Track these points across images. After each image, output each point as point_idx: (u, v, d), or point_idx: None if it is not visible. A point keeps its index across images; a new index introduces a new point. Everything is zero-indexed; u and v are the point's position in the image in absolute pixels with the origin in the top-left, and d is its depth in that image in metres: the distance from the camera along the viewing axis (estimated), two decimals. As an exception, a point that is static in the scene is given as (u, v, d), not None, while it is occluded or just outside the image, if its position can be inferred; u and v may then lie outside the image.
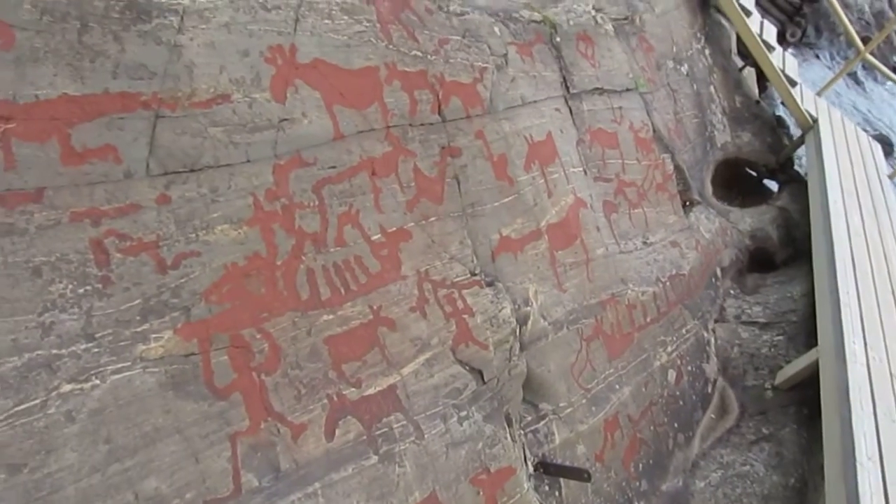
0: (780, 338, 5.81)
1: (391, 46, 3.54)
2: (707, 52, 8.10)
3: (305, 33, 3.13)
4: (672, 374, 5.00)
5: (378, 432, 2.96)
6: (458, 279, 3.53)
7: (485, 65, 4.13)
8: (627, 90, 5.72)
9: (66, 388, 2.23)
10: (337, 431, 2.84)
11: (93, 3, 2.48)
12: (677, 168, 6.33)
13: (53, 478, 2.15)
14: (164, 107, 2.61)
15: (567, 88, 4.93)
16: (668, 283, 5.32)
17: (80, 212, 2.38)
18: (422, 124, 3.62)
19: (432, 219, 3.52)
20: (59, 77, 2.40)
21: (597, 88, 5.29)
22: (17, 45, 2.32)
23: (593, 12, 5.57)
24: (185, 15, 2.70)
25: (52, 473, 2.15)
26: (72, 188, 2.38)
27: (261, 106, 2.89)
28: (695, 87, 7.47)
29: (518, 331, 3.71)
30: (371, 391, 3.00)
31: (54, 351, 2.24)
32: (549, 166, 4.42)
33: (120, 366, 2.35)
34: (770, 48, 8.21)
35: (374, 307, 3.12)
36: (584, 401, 4.13)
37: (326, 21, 3.24)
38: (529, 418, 3.83)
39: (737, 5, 7.88)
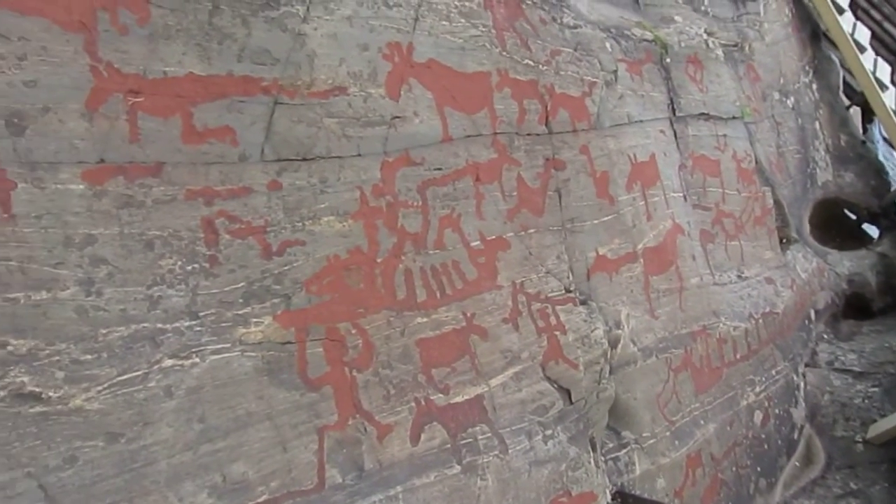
0: (876, 389, 5.52)
1: (504, 53, 3.50)
2: (814, 86, 7.83)
3: (423, 33, 3.11)
4: (759, 416, 4.79)
5: (463, 442, 2.89)
6: (552, 294, 3.44)
7: (594, 79, 4.05)
8: (733, 118, 5.55)
9: (168, 363, 2.23)
10: (422, 436, 2.78)
11: (226, -14, 2.50)
12: (777, 203, 6.11)
13: (148, 450, 2.15)
14: (284, 94, 2.62)
15: (673, 111, 4.81)
16: (760, 321, 5.11)
17: (195, 190, 2.39)
18: (528, 134, 3.56)
19: (531, 230, 3.45)
20: (188, 56, 2.42)
21: (703, 114, 5.14)
22: (152, 22, 2.35)
23: (705, 36, 5.43)
24: (311, 4, 2.71)
25: (148, 446, 2.15)
26: (189, 166, 2.39)
27: (375, 101, 2.88)
28: (799, 121, 7.22)
29: (608, 353, 3.59)
30: (458, 399, 2.94)
31: (159, 325, 2.25)
32: (650, 188, 4.30)
33: (220, 346, 2.35)
34: (883, 87, 7.87)
35: (468, 314, 3.06)
36: (667, 433, 3.98)
37: (444, 23, 3.22)
38: (611, 445, 3.70)
39: (851, 40, 7.58)
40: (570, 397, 3.34)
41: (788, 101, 7.09)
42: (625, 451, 3.74)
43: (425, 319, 2.92)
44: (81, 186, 2.17)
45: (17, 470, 1.95)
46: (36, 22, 2.13)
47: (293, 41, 2.65)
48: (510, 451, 3.02)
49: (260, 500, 2.33)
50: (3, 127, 2.05)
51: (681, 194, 4.67)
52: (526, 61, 3.62)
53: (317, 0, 2.73)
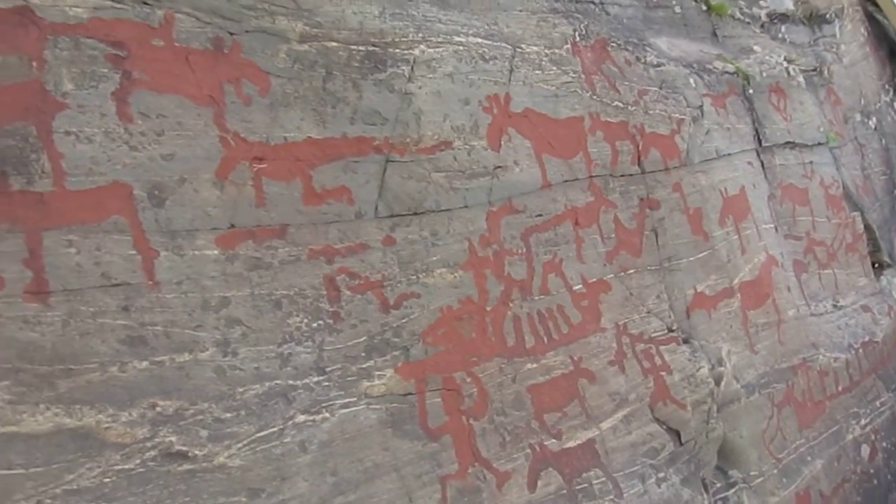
0: None
1: (595, 97, 3.55)
2: (895, 104, 7.65)
3: (518, 83, 3.19)
4: (866, 450, 4.65)
5: (578, 487, 2.90)
6: (655, 334, 3.44)
7: (682, 116, 4.06)
8: (818, 144, 5.47)
9: (301, 418, 2.32)
10: (539, 482, 2.80)
11: (338, 52, 2.62)
12: (867, 227, 5.96)
13: (286, 505, 2.23)
14: (394, 151, 2.71)
15: (759, 141, 4.77)
16: (860, 350, 4.98)
17: (316, 249, 2.49)
18: (622, 175, 3.59)
19: (630, 271, 3.46)
20: (305, 121, 2.54)
21: (788, 142, 5.08)
22: (272, 91, 2.48)
23: (785, 63, 5.38)
24: (416, 64, 2.81)
25: (286, 500, 2.23)
26: (310, 226, 2.49)
27: (478, 153, 2.95)
28: (883, 141, 7.05)
29: (714, 392, 3.56)
30: (571, 444, 2.95)
31: (290, 382, 2.33)
32: (742, 222, 4.27)
33: (347, 401, 2.42)
34: (969, 104, 7.63)
35: (575, 358, 3.09)
36: (774, 471, 3.90)
37: (537, 72, 3.29)
38: (719, 485, 3.65)
39: (932, 58, 7.41)
40: (679, 438, 3.32)
41: (871, 122, 6.94)
42: (733, 490, 3.67)
43: (535, 365, 2.95)
44: (216, 251, 2.29)
45: (170, 527, 2.04)
46: (171, 99, 2.27)
47: (401, 101, 2.74)
48: (625, 494, 3.01)
49: (391, 551, 2.38)
50: (146, 199, 2.18)
51: (772, 225, 4.61)
52: (615, 103, 3.66)
53: (420, 60, 2.83)
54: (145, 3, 2.26)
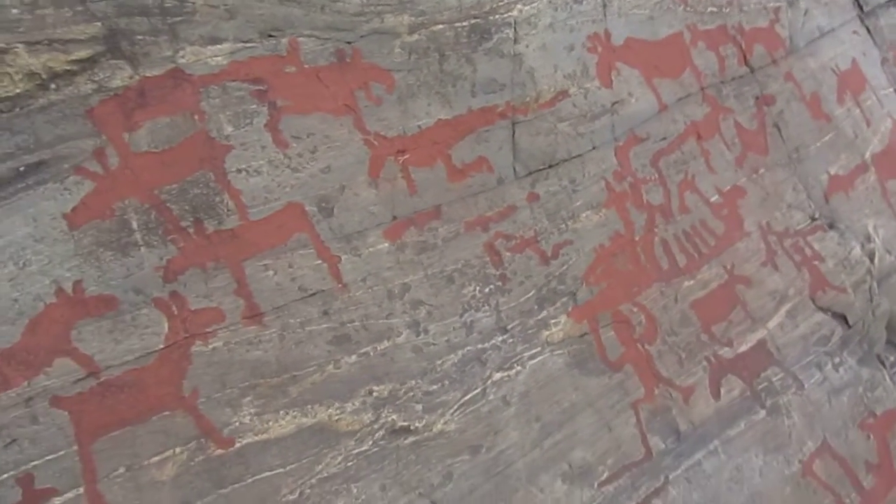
0: None
1: (688, 9, 3.55)
2: None
3: (614, 16, 3.24)
4: None
5: (759, 387, 3.01)
6: (799, 227, 3.47)
7: (777, 4, 3.99)
8: (921, -6, 5.22)
9: (497, 376, 2.52)
10: (721, 390, 2.92)
11: (445, 34, 2.75)
12: None
13: (505, 455, 2.44)
14: (518, 113, 2.84)
15: (860, 7, 4.61)
16: None
17: (471, 221, 2.66)
18: (732, 79, 3.60)
19: (761, 171, 3.49)
20: (432, 105, 2.69)
21: (889, 0, 4.88)
22: (397, 86, 2.64)
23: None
24: (517, 25, 2.91)
25: (503, 451, 2.45)
26: (460, 201, 2.67)
27: (594, 94, 3.04)
28: None
29: (871, 269, 3.56)
30: (743, 348, 3.05)
31: (479, 346, 2.54)
32: (860, 95, 4.18)
33: (532, 352, 2.61)
34: None
35: (728, 267, 3.16)
36: (946, 333, 3.87)
37: (629, 0, 3.32)
38: (892, 359, 3.66)
39: None
40: (846, 321, 3.36)
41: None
42: (908, 362, 3.68)
43: (692, 282, 3.06)
44: (386, 244, 2.49)
45: (412, 493, 2.29)
46: (315, 117, 2.47)
47: (512, 63, 2.86)
48: (806, 385, 3.10)
49: (603, 478, 2.58)
50: (318, 212, 2.40)
51: (891, 89, 4.48)
52: (710, 9, 3.64)
53: (520, 19, 2.93)
54: (270, 36, 2.45)
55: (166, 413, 2.11)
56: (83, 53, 2.11)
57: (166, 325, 2.15)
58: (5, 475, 1.95)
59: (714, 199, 3.26)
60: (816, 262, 3.40)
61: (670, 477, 2.69)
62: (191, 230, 2.22)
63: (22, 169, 2.13)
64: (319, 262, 2.36)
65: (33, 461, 1.98)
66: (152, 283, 2.15)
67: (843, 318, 3.35)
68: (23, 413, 1.99)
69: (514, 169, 2.80)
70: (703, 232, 3.16)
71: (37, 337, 2.03)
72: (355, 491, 2.26)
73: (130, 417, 2.08)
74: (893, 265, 3.79)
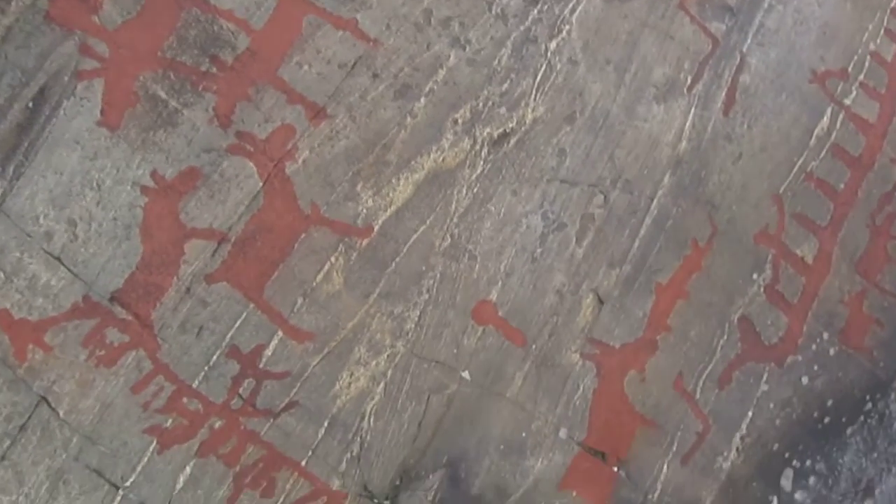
0: None
1: None
2: None
3: None
4: None
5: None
6: None
7: None
8: None
9: (552, 44, 2.47)
10: None
11: None
12: None
13: (598, 108, 2.47)
14: None
15: None
16: None
17: None
18: None
19: None
20: None
21: None
22: None
23: None
24: None
25: (595, 106, 2.47)
26: None
27: None
28: None
29: None
30: None
31: (521, 27, 2.45)
32: None
33: (571, 5, 2.51)
34: None
35: None
36: None
37: None
38: None
39: None
40: None
41: None
42: None
43: None
44: None
45: (540, 183, 2.39)
46: None
47: None
48: None
49: (688, 82, 2.61)
50: None
51: None
52: None
53: None
54: None
55: (302, 236, 2.17)
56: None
57: (251, 164, 2.14)
58: (215, 356, 2.08)
59: None
60: None
61: (743, 49, 2.70)
62: (214, 70, 2.14)
63: (30, 105, 2.04)
64: (340, 32, 2.27)
65: (228, 334, 2.09)
66: (214, 135, 2.12)
67: None
68: (192, 303, 2.08)
69: None
70: None
71: (155, 237, 2.06)
72: (493, 209, 2.35)
73: (277, 256, 2.15)
74: None
